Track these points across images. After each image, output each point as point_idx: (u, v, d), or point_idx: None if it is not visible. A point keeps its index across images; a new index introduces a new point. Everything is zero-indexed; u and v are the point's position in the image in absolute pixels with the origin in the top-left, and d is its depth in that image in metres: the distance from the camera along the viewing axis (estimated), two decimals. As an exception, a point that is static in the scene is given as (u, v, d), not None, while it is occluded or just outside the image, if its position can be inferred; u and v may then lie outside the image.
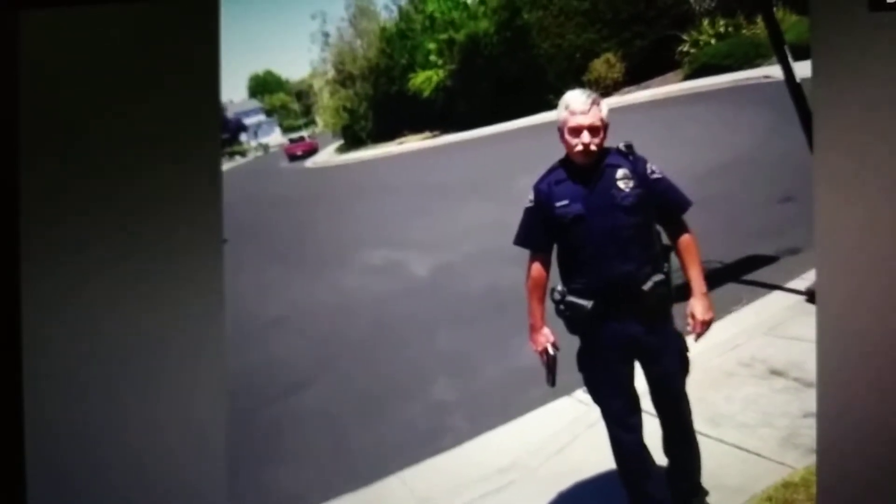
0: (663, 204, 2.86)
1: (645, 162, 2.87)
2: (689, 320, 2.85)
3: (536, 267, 2.92)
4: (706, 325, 2.84)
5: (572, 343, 2.93)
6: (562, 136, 2.87)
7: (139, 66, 3.14)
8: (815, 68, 2.83)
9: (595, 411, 2.97)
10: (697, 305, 2.83)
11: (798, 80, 4.20)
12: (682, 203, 2.90)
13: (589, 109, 2.80)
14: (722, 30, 6.87)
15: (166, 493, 3.12)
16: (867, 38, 2.77)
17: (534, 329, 2.93)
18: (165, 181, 3.14)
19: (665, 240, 2.91)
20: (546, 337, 2.90)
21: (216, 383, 3.15)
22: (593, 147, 2.81)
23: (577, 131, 2.80)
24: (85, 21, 3.15)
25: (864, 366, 2.79)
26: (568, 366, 2.92)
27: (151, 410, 3.12)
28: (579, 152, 2.81)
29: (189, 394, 3.13)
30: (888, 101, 2.76)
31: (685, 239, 2.87)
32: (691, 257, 2.86)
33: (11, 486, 3.13)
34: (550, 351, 2.89)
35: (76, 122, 3.15)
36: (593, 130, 2.80)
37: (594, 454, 3.20)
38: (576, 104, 2.81)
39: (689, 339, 2.90)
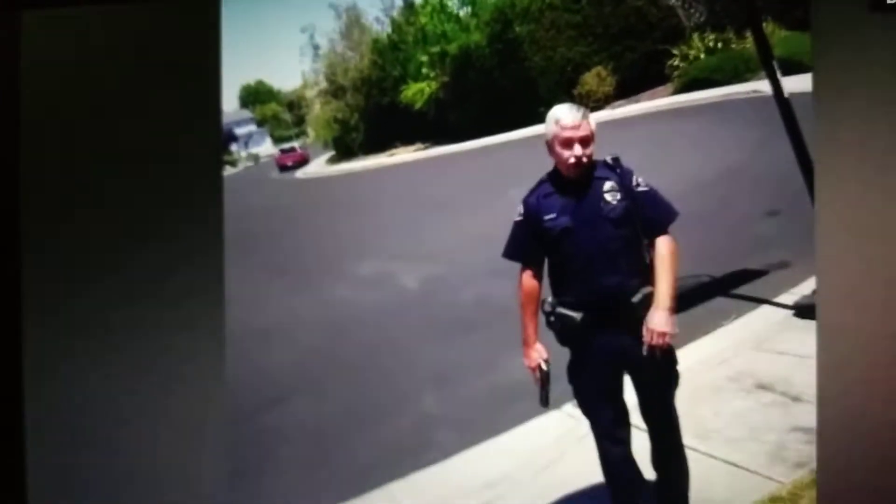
0: (649, 216, 2.87)
1: (631, 174, 2.88)
2: (644, 331, 2.79)
3: (528, 280, 2.92)
4: (661, 337, 2.77)
5: (561, 357, 2.92)
6: (551, 149, 2.88)
7: (140, 66, 3.14)
8: (815, 69, 2.83)
9: (584, 425, 2.97)
10: (654, 316, 2.77)
11: (786, 94, 4.23)
12: (667, 215, 2.89)
13: (580, 123, 2.82)
14: (712, 44, 6.91)
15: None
16: (867, 40, 2.78)
17: (527, 344, 2.92)
18: (166, 181, 3.14)
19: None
20: (539, 353, 2.90)
21: (215, 391, 3.14)
22: (585, 159, 2.82)
23: (569, 144, 2.81)
24: (85, 21, 3.14)
25: (863, 379, 2.78)
26: (557, 379, 2.92)
27: (152, 416, 3.10)
28: (572, 165, 2.82)
29: (188, 400, 3.12)
30: (889, 101, 2.76)
31: (661, 249, 2.82)
32: (663, 268, 2.80)
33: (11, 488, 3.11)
34: (544, 367, 2.89)
35: (76, 122, 3.14)
36: (585, 142, 2.82)
37: (583, 468, 3.19)
38: (567, 118, 2.82)
39: (680, 352, 2.90)
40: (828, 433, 2.83)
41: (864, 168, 2.78)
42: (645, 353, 2.79)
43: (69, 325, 3.11)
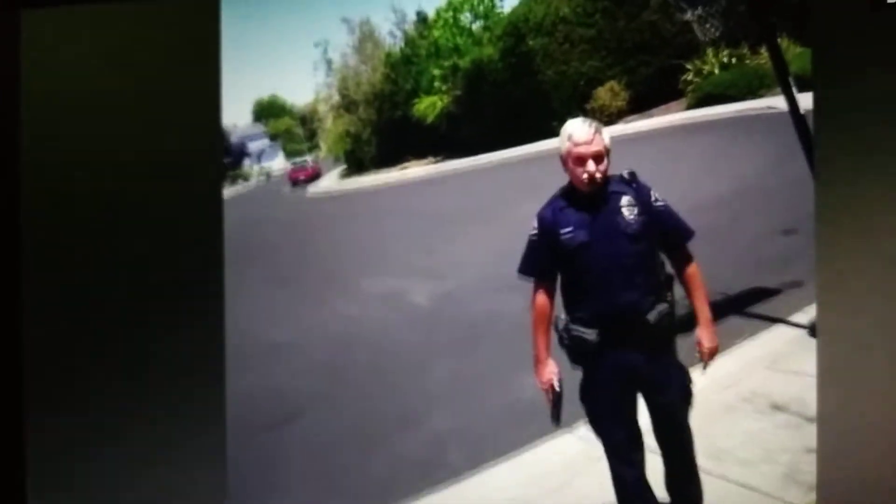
0: (667, 232, 2.86)
1: (648, 190, 2.87)
2: (697, 348, 2.84)
3: (541, 297, 2.90)
4: (712, 353, 2.86)
5: (573, 377, 2.89)
6: (565, 165, 2.86)
7: (140, 65, 3.14)
8: (815, 68, 2.83)
9: (596, 447, 2.93)
10: (704, 333, 2.83)
11: (802, 111, 4.19)
12: (685, 232, 2.90)
13: (592, 139, 2.80)
14: (726, 59, 6.88)
15: None
16: (868, 39, 2.77)
17: (539, 362, 2.90)
18: (166, 180, 3.14)
19: (668, 269, 2.90)
20: (551, 371, 2.88)
21: (216, 408, 3.12)
22: (598, 175, 2.81)
23: (581, 160, 2.79)
24: (85, 20, 3.15)
25: (864, 400, 2.75)
26: (569, 400, 2.88)
27: (151, 432, 3.09)
28: (585, 181, 2.80)
29: (189, 416, 3.10)
30: (889, 100, 2.75)
31: (690, 268, 2.87)
32: (696, 286, 2.86)
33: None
34: (556, 386, 2.85)
35: (76, 122, 3.15)
36: (598, 158, 2.80)
37: (595, 490, 3.16)
38: (579, 134, 2.80)
39: (694, 372, 2.87)
40: (828, 451, 2.79)
41: (864, 167, 2.76)
42: (704, 369, 2.89)
43: (69, 331, 3.10)
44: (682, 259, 2.88)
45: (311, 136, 9.13)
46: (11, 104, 3.13)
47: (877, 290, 2.76)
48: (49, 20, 3.14)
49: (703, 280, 2.87)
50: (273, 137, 8.91)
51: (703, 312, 2.85)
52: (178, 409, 3.13)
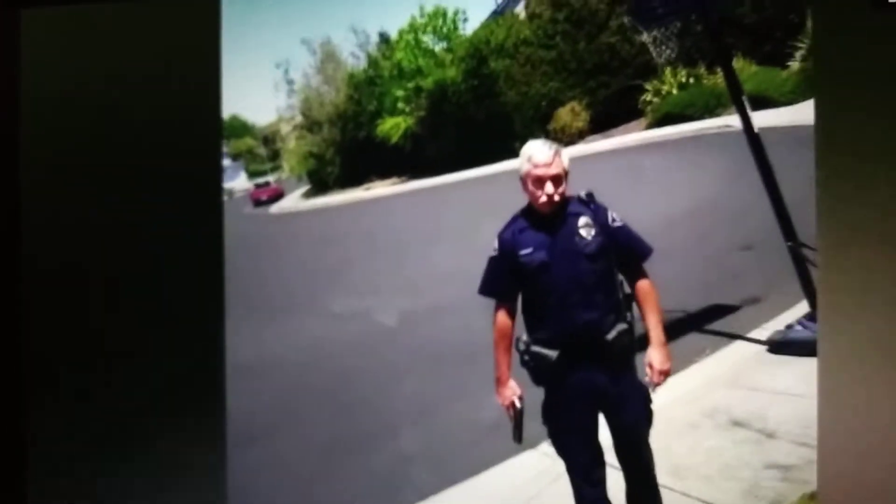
0: (624, 251, 2.89)
1: (606, 210, 2.90)
2: (647, 370, 2.84)
3: (502, 317, 2.92)
4: (664, 375, 2.85)
5: (537, 395, 2.90)
6: (525, 186, 2.89)
7: (139, 65, 3.12)
8: (817, 67, 2.84)
9: (559, 465, 2.95)
10: (655, 355, 2.84)
11: (756, 130, 4.27)
12: (642, 250, 2.92)
13: (552, 161, 2.83)
14: (683, 79, 6.99)
15: None
16: (869, 38, 2.77)
17: (500, 382, 2.91)
18: (165, 179, 3.11)
19: (627, 289, 2.93)
20: (513, 390, 2.89)
21: (216, 426, 3.09)
22: (557, 197, 2.84)
23: (540, 182, 2.83)
24: (85, 20, 3.13)
25: (866, 419, 2.75)
26: (532, 418, 2.90)
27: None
28: (544, 203, 2.83)
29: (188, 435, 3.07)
30: (890, 100, 2.76)
31: (644, 286, 2.89)
32: (650, 305, 2.87)
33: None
34: (517, 404, 2.87)
35: (76, 121, 3.12)
36: (556, 181, 2.83)
37: (557, 508, 3.17)
38: (539, 156, 2.83)
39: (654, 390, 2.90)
40: (828, 468, 2.79)
41: (864, 167, 2.77)
42: (653, 391, 2.87)
43: (66, 330, 3.07)
44: (637, 277, 2.90)
45: (274, 156, 9.09)
46: (11, 104, 3.09)
47: (878, 276, 2.75)
48: (49, 19, 3.11)
49: (657, 300, 2.88)
50: (234, 157, 8.86)
51: (656, 333, 2.85)
52: (178, 423, 3.09)
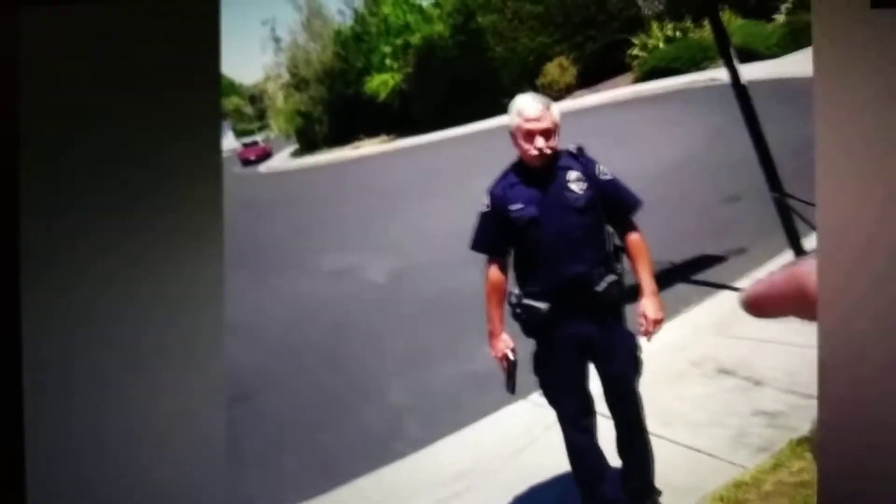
0: (613, 204, 2.91)
1: (595, 163, 2.91)
2: (641, 320, 2.89)
3: (494, 271, 2.94)
4: (657, 324, 2.89)
5: (528, 346, 2.95)
6: (515, 140, 2.90)
7: (139, 64, 3.10)
8: (816, 66, 2.83)
9: (550, 414, 3.00)
10: (648, 305, 2.87)
11: (744, 82, 4.28)
12: (632, 203, 2.94)
13: (542, 115, 2.84)
14: (670, 33, 6.97)
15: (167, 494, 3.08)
16: (869, 36, 2.77)
17: (493, 335, 2.95)
18: (165, 179, 3.11)
19: (618, 241, 2.95)
20: (505, 343, 2.93)
21: (215, 385, 3.12)
22: (548, 150, 2.85)
23: (531, 136, 2.83)
24: (85, 19, 3.10)
25: (867, 374, 2.76)
26: (524, 369, 2.94)
27: (151, 411, 3.08)
28: (534, 156, 2.84)
29: (188, 396, 3.09)
30: (890, 98, 2.76)
31: (634, 239, 2.91)
32: (641, 257, 2.90)
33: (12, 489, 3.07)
34: (510, 356, 2.91)
35: (76, 121, 3.10)
36: (547, 134, 2.84)
37: (550, 457, 3.22)
38: (529, 110, 2.84)
39: (642, 340, 2.94)
40: (830, 428, 2.82)
41: (864, 166, 2.78)
42: (648, 341, 2.90)
43: (68, 320, 3.08)
44: (627, 230, 2.92)
45: (261, 115, 9.04)
46: (10, 103, 3.07)
47: (880, 260, 2.76)
48: (49, 18, 3.07)
49: (648, 251, 2.91)
50: (222, 117, 8.80)
51: (648, 283, 2.88)
52: (180, 395, 3.12)
